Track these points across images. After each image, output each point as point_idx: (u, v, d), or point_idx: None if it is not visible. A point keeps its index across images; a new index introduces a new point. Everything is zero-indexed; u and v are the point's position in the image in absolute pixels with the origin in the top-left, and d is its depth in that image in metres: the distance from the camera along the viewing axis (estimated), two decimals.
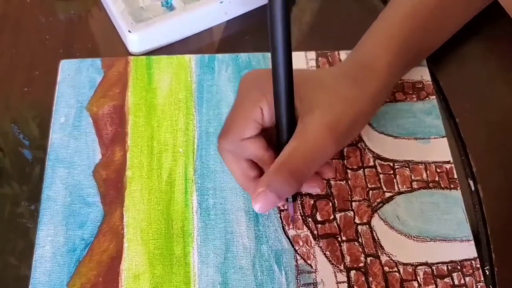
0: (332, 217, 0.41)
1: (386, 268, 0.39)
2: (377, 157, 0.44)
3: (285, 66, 0.32)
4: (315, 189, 0.39)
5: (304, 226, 0.41)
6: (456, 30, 0.48)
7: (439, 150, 0.44)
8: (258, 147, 0.36)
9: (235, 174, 0.39)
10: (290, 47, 0.31)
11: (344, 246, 0.40)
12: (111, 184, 0.41)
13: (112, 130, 0.44)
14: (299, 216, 0.40)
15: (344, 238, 0.40)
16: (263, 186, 0.34)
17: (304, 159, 0.34)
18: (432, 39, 0.46)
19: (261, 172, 0.38)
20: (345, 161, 0.44)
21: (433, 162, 0.44)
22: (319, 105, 0.35)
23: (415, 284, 0.39)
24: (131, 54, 0.49)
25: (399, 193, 0.42)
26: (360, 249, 0.40)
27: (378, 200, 0.42)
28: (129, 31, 0.47)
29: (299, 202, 0.41)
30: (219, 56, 0.48)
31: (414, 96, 0.47)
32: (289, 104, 0.34)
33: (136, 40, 0.48)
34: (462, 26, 0.48)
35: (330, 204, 0.42)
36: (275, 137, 0.36)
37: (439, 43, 0.47)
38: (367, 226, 0.41)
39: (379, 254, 0.40)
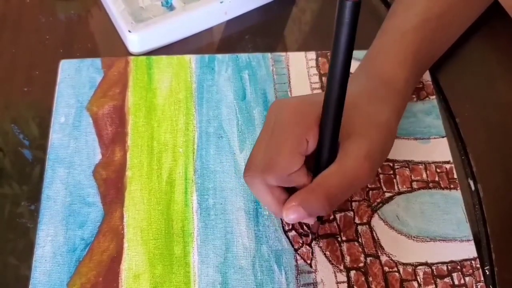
0: (332, 217, 0.41)
1: (386, 268, 0.39)
2: None
3: (339, 101, 0.33)
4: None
5: (304, 226, 0.41)
6: (460, 34, 0.48)
7: (439, 150, 0.44)
8: (303, 175, 0.36)
9: (267, 201, 0.38)
10: (347, 84, 0.33)
11: (344, 246, 0.40)
12: (111, 184, 0.42)
13: (112, 130, 0.44)
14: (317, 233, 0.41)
15: (344, 238, 0.40)
16: (296, 201, 0.35)
17: (341, 185, 0.35)
18: (441, 47, 0.46)
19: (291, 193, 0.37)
20: None
21: (433, 162, 0.44)
22: (356, 131, 0.36)
23: (415, 284, 0.39)
24: (131, 54, 0.49)
25: (399, 193, 0.42)
26: (360, 249, 0.40)
27: (378, 200, 0.42)
28: (129, 31, 0.47)
29: None
30: (219, 56, 0.48)
31: (414, 96, 0.47)
32: (335, 135, 0.35)
33: (136, 40, 0.48)
34: (465, 29, 0.48)
35: None
36: (312, 161, 0.37)
37: (445, 49, 0.47)
38: (367, 226, 0.41)
39: (379, 254, 0.40)
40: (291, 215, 0.35)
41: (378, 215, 0.41)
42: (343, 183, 0.35)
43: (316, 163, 0.36)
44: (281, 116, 0.37)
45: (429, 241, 0.40)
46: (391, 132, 0.38)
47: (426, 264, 0.40)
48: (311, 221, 0.38)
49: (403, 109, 0.41)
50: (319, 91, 0.47)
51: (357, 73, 0.42)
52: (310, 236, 0.40)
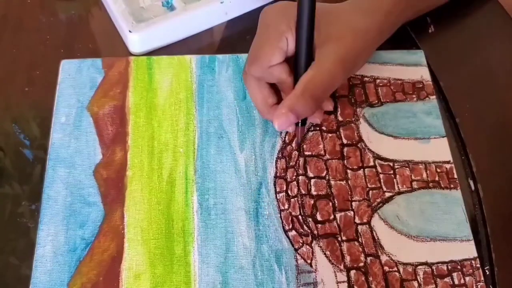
0: (332, 217, 0.41)
1: (386, 268, 0.39)
2: (377, 157, 0.44)
3: (310, 4, 0.38)
4: (317, 119, 0.44)
5: (304, 226, 0.41)
6: None
7: (439, 150, 0.45)
8: (284, 72, 0.41)
9: (256, 99, 0.43)
10: None
11: (344, 246, 0.40)
12: (112, 184, 0.42)
13: (113, 130, 0.44)
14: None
15: (344, 238, 0.40)
16: (285, 108, 0.39)
17: (322, 86, 0.40)
18: None
19: (278, 100, 0.43)
20: (345, 161, 0.44)
21: (433, 162, 0.44)
22: (332, 37, 0.40)
23: (415, 284, 0.39)
24: (131, 54, 0.49)
25: (399, 193, 0.42)
26: (360, 249, 0.40)
27: (378, 200, 0.42)
28: (129, 31, 0.47)
29: (299, 201, 0.41)
30: (220, 56, 0.48)
31: (414, 96, 0.47)
32: (309, 38, 0.39)
33: (136, 40, 0.48)
34: None
35: (330, 204, 0.42)
36: (293, 66, 0.41)
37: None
38: (367, 226, 0.41)
39: (379, 254, 0.40)
40: (281, 121, 0.39)
41: (378, 215, 0.41)
42: (323, 84, 0.39)
43: (295, 64, 0.40)
44: (266, 16, 0.42)
45: (429, 241, 0.40)
46: (368, 42, 0.42)
47: (426, 264, 0.40)
48: (317, 119, 0.43)
49: (386, 29, 0.44)
50: None
51: None
52: (310, 236, 0.40)
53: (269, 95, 0.43)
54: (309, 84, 0.39)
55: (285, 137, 0.44)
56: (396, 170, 0.43)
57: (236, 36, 0.51)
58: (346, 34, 0.40)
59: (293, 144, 0.44)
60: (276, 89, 0.43)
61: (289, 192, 0.42)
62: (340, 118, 0.46)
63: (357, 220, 0.41)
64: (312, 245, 0.40)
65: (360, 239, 0.40)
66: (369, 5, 0.43)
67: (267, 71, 0.41)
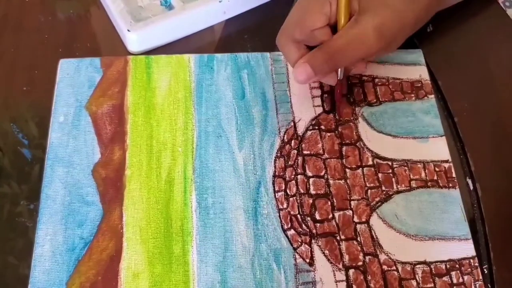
0: (330, 216, 0.41)
1: (385, 267, 0.39)
2: (375, 156, 0.44)
3: None
4: (358, 69, 0.46)
5: (303, 225, 0.41)
6: None
7: (438, 149, 0.45)
8: (326, 34, 0.42)
9: (293, 57, 0.43)
10: None
11: (343, 245, 0.40)
12: (110, 183, 0.42)
13: (111, 129, 0.44)
14: (343, 100, 0.45)
15: (343, 237, 0.40)
16: (304, 59, 0.41)
17: (343, 46, 0.40)
18: None
19: None
20: (343, 160, 0.44)
21: (431, 161, 0.44)
22: (371, 8, 0.40)
23: (414, 282, 0.39)
24: (130, 53, 0.49)
25: (398, 192, 0.43)
26: (359, 248, 0.40)
27: (377, 199, 0.42)
28: (128, 30, 0.47)
29: (298, 201, 0.41)
30: (218, 55, 0.48)
31: (412, 95, 0.47)
32: (348, 2, 0.41)
33: (135, 39, 0.48)
34: None
35: (329, 203, 0.42)
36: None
37: None
38: (366, 225, 0.41)
39: (378, 253, 0.40)
40: (299, 72, 0.41)
41: (377, 214, 0.41)
42: (345, 45, 0.40)
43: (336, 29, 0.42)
44: None
45: (427, 240, 0.40)
46: (408, 22, 0.42)
47: (424, 263, 0.40)
48: (331, 81, 0.44)
49: (423, 17, 0.43)
50: (318, 90, 0.47)
51: None
52: (308, 235, 0.40)
53: (306, 51, 0.43)
54: (331, 42, 0.41)
55: (283, 136, 0.44)
56: (395, 169, 0.43)
57: (235, 35, 0.51)
58: (385, 9, 0.41)
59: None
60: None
61: (287, 191, 0.42)
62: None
63: (355, 219, 0.41)
64: (311, 244, 0.40)
65: (358, 238, 0.40)
66: None
67: (311, 35, 0.42)
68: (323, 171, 0.43)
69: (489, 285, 0.39)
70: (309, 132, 0.45)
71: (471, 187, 0.44)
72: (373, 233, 0.41)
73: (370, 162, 0.44)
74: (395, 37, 0.42)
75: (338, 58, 0.41)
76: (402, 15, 0.41)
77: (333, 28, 0.42)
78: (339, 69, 0.43)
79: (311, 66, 0.40)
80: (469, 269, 0.39)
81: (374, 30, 0.40)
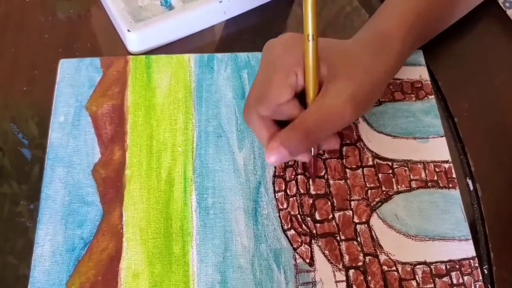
0: (331, 216, 0.41)
1: (385, 267, 0.39)
2: (376, 156, 0.44)
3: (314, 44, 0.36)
4: (331, 146, 0.42)
5: (303, 225, 0.41)
6: (467, 11, 0.48)
7: (438, 150, 0.45)
8: (294, 108, 0.39)
9: (263, 137, 0.40)
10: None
11: (343, 245, 0.40)
12: (110, 183, 0.42)
13: (111, 129, 0.44)
14: (317, 176, 0.42)
15: (343, 237, 0.40)
16: (277, 141, 0.37)
17: (318, 122, 0.37)
18: (445, 15, 0.47)
19: None
20: (344, 161, 0.44)
21: (431, 162, 0.44)
22: (342, 73, 0.38)
23: (414, 283, 0.39)
24: (130, 54, 0.49)
25: (398, 192, 0.42)
26: (359, 248, 0.40)
27: (377, 200, 0.42)
28: (128, 31, 0.47)
29: (298, 201, 0.41)
30: (218, 55, 0.48)
31: (413, 95, 0.47)
32: (316, 71, 0.38)
33: (135, 39, 0.48)
34: (472, 8, 0.48)
35: (329, 203, 0.42)
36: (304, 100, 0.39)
37: (451, 21, 0.48)
38: (366, 225, 0.41)
39: (378, 253, 0.40)
40: (272, 155, 0.37)
41: (377, 214, 0.41)
42: (320, 120, 0.37)
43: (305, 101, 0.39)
44: (272, 51, 0.40)
45: (427, 240, 0.40)
46: (380, 81, 0.40)
47: (424, 263, 0.40)
48: (305, 158, 0.41)
49: (396, 68, 0.42)
50: None
51: (360, 30, 0.43)
52: (308, 235, 0.40)
53: (275, 129, 0.40)
54: (304, 118, 0.37)
55: None
56: (395, 169, 0.43)
57: (235, 35, 0.51)
58: (357, 71, 0.38)
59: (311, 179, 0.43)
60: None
61: (288, 191, 0.42)
62: None
63: (356, 220, 0.41)
64: (311, 244, 0.40)
65: (359, 239, 0.40)
66: (381, 46, 0.41)
67: (277, 110, 0.39)
68: (323, 171, 0.43)
69: (489, 285, 0.39)
70: None
71: (471, 188, 0.44)
72: (373, 233, 0.41)
73: (370, 163, 0.44)
74: (369, 101, 0.40)
75: (314, 135, 0.38)
76: (372, 73, 0.39)
77: (301, 98, 0.39)
78: (312, 149, 0.41)
79: (285, 148, 0.37)
80: (469, 270, 0.39)
81: (349, 101, 0.37)
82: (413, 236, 0.41)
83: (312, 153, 0.41)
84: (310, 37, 0.36)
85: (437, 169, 0.44)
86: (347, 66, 0.38)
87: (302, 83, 0.38)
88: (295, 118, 0.38)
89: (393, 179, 0.43)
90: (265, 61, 0.40)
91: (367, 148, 0.44)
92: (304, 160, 0.42)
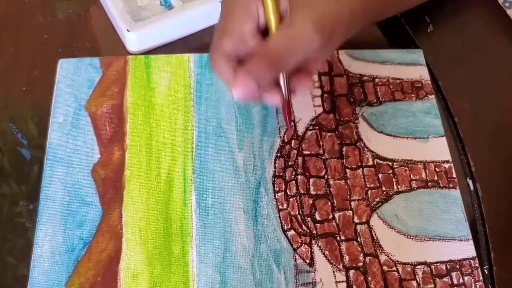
0: (331, 216, 0.41)
1: (385, 268, 0.39)
2: (376, 156, 0.44)
3: None
4: (303, 86, 0.40)
5: (303, 225, 0.41)
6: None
7: (438, 150, 0.44)
8: (259, 41, 0.38)
9: (226, 74, 0.38)
10: None
11: (343, 246, 0.40)
12: (110, 184, 0.41)
13: (111, 130, 0.44)
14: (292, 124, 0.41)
15: (343, 238, 0.40)
16: (243, 71, 0.36)
17: (283, 47, 0.36)
18: None
19: None
20: (344, 161, 0.44)
21: (432, 162, 0.44)
22: (305, 4, 0.37)
23: (414, 283, 0.39)
24: (130, 53, 0.49)
25: (398, 192, 0.42)
26: (359, 248, 0.40)
27: (377, 200, 0.42)
28: (127, 30, 0.47)
29: (298, 201, 0.41)
30: None
31: (413, 95, 0.47)
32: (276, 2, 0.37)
33: (134, 39, 0.48)
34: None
35: (329, 203, 0.42)
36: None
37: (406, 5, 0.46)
38: (366, 225, 0.41)
39: (378, 253, 0.40)
40: (239, 87, 0.36)
41: (377, 215, 0.41)
42: (286, 44, 0.36)
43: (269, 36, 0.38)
44: None
45: (428, 241, 0.40)
46: (344, 14, 0.38)
47: (425, 263, 0.40)
48: (275, 99, 0.39)
49: (358, 14, 0.40)
50: (318, 90, 0.47)
51: None
52: (309, 236, 0.40)
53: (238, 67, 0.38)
54: (270, 45, 0.37)
55: (284, 137, 0.44)
56: (395, 169, 0.43)
57: None
58: (319, 2, 0.38)
59: (290, 139, 0.43)
60: None
61: (287, 191, 0.42)
62: (338, 117, 0.46)
63: (356, 220, 0.41)
64: (311, 244, 0.40)
65: (359, 239, 0.40)
66: None
67: (241, 41, 0.38)
68: (323, 172, 0.43)
69: (489, 285, 0.39)
70: (309, 132, 0.45)
71: (472, 188, 0.44)
72: (373, 233, 0.41)
73: (371, 163, 0.43)
74: (334, 30, 0.38)
75: (280, 60, 0.37)
76: (337, 8, 0.38)
77: (264, 34, 0.38)
78: (283, 87, 0.39)
79: (252, 78, 0.36)
80: (470, 270, 0.39)
81: (313, 24, 0.36)
82: (413, 236, 0.41)
83: (284, 96, 0.39)
84: None
85: (437, 169, 0.44)
86: None
87: (263, 16, 0.38)
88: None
89: (393, 179, 0.43)
90: (225, 1, 0.40)
91: (367, 148, 0.44)
92: (275, 102, 0.39)
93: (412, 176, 0.43)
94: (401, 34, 0.49)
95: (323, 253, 0.40)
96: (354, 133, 0.45)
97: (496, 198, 0.43)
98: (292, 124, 0.41)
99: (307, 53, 0.38)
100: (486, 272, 0.40)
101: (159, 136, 0.44)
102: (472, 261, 0.40)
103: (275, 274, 0.39)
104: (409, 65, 0.48)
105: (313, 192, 0.42)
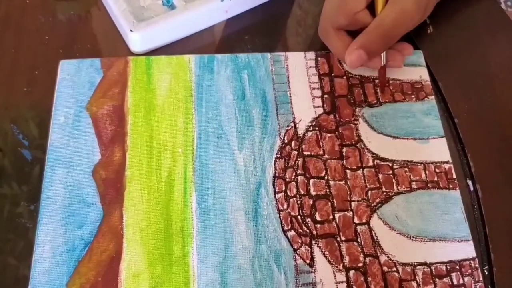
0: (331, 217, 0.41)
1: (385, 268, 0.39)
2: (376, 157, 0.44)
3: None
4: (398, 63, 0.47)
5: (303, 226, 0.41)
6: None
7: (438, 150, 0.45)
8: (367, 16, 0.44)
9: (340, 49, 0.45)
10: None
11: (343, 246, 0.40)
12: (111, 184, 0.42)
13: (112, 130, 0.44)
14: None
15: (343, 238, 0.40)
16: (357, 44, 0.43)
17: (394, 23, 0.43)
18: None
19: None
20: (344, 161, 0.44)
21: (432, 162, 0.44)
22: None
23: (414, 284, 0.39)
24: (132, 54, 0.49)
25: (398, 193, 0.42)
26: (359, 249, 0.40)
27: (377, 200, 0.42)
28: (130, 30, 0.47)
29: (298, 202, 0.41)
30: (219, 56, 0.48)
31: (413, 96, 0.47)
32: None
33: (138, 39, 0.48)
34: None
35: (329, 204, 0.42)
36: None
37: None
38: (366, 226, 0.41)
39: (378, 254, 0.40)
40: (352, 57, 0.43)
41: (377, 215, 0.41)
42: (395, 21, 0.42)
43: (375, 8, 0.44)
44: None
45: (428, 241, 0.40)
46: None
47: (425, 264, 0.40)
48: (378, 64, 0.46)
49: None
50: (319, 91, 0.47)
51: None
52: (309, 236, 0.40)
53: (348, 39, 0.45)
54: (380, 21, 0.42)
55: (284, 137, 0.44)
56: (395, 170, 0.43)
57: (235, 35, 0.51)
58: None
59: (377, 84, 0.47)
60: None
61: (288, 192, 0.42)
62: (339, 118, 0.46)
63: (356, 220, 0.41)
64: (311, 245, 0.40)
65: (359, 239, 0.40)
66: None
67: (353, 19, 0.44)
68: (324, 172, 0.43)
69: (489, 286, 0.39)
70: (309, 133, 0.45)
71: (472, 188, 0.44)
72: (373, 234, 0.41)
73: (371, 163, 0.44)
74: (428, 3, 0.44)
75: (391, 35, 0.43)
76: None
77: (369, 9, 0.44)
78: (383, 55, 0.45)
79: (366, 50, 0.42)
80: (470, 270, 0.39)
81: (414, 3, 0.42)
82: (413, 236, 0.41)
83: (382, 62, 0.46)
84: None
85: (437, 170, 0.44)
86: None
87: None
88: (367, 26, 0.43)
89: (394, 180, 0.43)
90: None
91: (367, 148, 0.44)
92: (377, 66, 0.46)
93: (412, 177, 0.43)
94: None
95: (323, 254, 0.40)
96: (354, 134, 0.45)
97: (496, 199, 0.43)
98: (387, 85, 0.47)
99: (410, 26, 0.44)
100: (486, 273, 0.40)
101: (159, 137, 0.44)
102: (472, 262, 0.40)
103: (275, 274, 0.39)
104: (409, 66, 0.48)
105: (313, 193, 0.42)
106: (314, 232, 0.41)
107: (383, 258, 0.40)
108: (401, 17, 0.43)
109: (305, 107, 0.46)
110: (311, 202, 0.42)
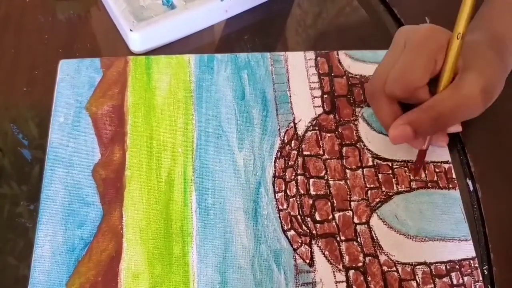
0: (331, 216, 0.41)
1: (385, 268, 0.39)
2: (376, 157, 0.44)
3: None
4: (441, 143, 0.43)
5: (303, 226, 0.41)
6: None
7: (438, 150, 0.45)
8: (426, 93, 0.40)
9: (387, 118, 0.41)
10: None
11: (343, 246, 0.40)
12: (110, 184, 0.42)
13: (111, 130, 0.44)
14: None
15: (343, 238, 0.40)
16: (404, 120, 0.40)
17: (453, 110, 0.39)
18: None
19: None
20: (344, 161, 0.44)
21: (431, 162, 0.44)
22: (474, 67, 0.40)
23: (414, 283, 0.39)
24: (132, 53, 0.49)
25: (398, 192, 0.42)
26: (359, 248, 0.40)
27: (377, 200, 0.42)
28: (130, 30, 0.47)
29: (298, 201, 0.41)
30: (218, 56, 0.48)
31: None
32: (456, 64, 0.40)
33: (138, 39, 0.48)
34: None
35: (329, 203, 0.42)
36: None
37: None
38: (366, 225, 0.41)
39: (378, 253, 0.40)
40: (396, 132, 0.40)
41: (377, 215, 0.41)
42: (455, 107, 0.39)
43: (437, 85, 0.40)
44: (413, 37, 0.41)
45: (427, 241, 0.40)
46: (503, 77, 0.42)
47: (424, 263, 0.40)
48: (417, 145, 0.42)
49: (510, 65, 0.44)
50: (319, 91, 0.47)
51: (476, 24, 0.45)
52: (308, 236, 0.40)
53: (398, 110, 0.41)
54: (438, 103, 0.39)
55: (284, 137, 0.44)
56: (395, 170, 0.43)
57: (235, 35, 0.51)
58: (486, 67, 0.40)
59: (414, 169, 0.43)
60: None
61: (288, 192, 0.42)
62: (338, 118, 0.46)
63: (355, 220, 0.41)
64: (311, 245, 0.40)
65: (359, 239, 0.40)
66: (501, 46, 0.43)
67: (413, 93, 0.40)
68: (323, 172, 0.43)
69: (489, 286, 0.39)
70: (309, 133, 0.45)
71: (471, 188, 0.44)
72: (373, 234, 0.41)
73: (370, 163, 0.44)
74: (495, 94, 0.41)
75: (445, 120, 0.40)
76: (498, 69, 0.41)
77: (429, 85, 0.41)
78: (427, 139, 0.42)
79: (413, 128, 0.39)
80: (469, 270, 0.39)
81: (482, 92, 0.39)
82: (413, 236, 0.41)
83: (425, 146, 0.42)
84: (460, 36, 0.39)
85: (437, 170, 0.44)
86: (478, 61, 0.40)
87: (437, 70, 0.40)
88: (423, 103, 0.40)
89: (393, 180, 0.43)
90: (405, 44, 0.41)
91: (367, 148, 0.44)
92: (419, 148, 0.42)
93: (411, 177, 0.43)
94: None
95: (323, 253, 0.40)
96: (354, 134, 0.45)
97: (495, 198, 0.43)
98: (420, 170, 0.43)
99: (469, 117, 0.41)
100: (486, 273, 0.40)
101: (159, 137, 0.44)
102: (471, 261, 0.40)
103: (275, 274, 0.39)
104: None
105: (313, 193, 0.42)
106: (314, 232, 0.41)
107: (382, 258, 0.40)
108: (463, 104, 0.39)
109: (305, 106, 0.46)
110: (310, 201, 0.42)
